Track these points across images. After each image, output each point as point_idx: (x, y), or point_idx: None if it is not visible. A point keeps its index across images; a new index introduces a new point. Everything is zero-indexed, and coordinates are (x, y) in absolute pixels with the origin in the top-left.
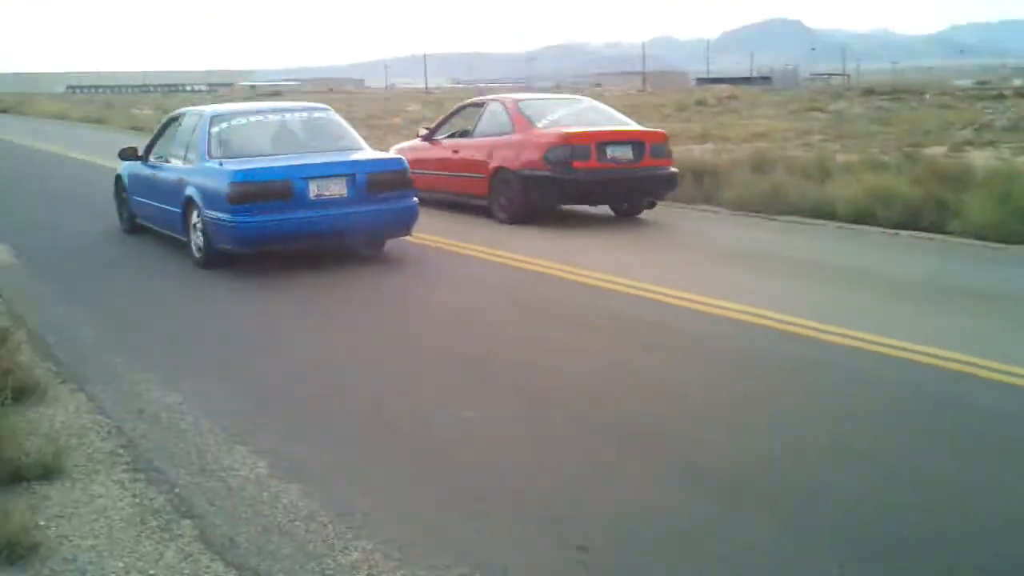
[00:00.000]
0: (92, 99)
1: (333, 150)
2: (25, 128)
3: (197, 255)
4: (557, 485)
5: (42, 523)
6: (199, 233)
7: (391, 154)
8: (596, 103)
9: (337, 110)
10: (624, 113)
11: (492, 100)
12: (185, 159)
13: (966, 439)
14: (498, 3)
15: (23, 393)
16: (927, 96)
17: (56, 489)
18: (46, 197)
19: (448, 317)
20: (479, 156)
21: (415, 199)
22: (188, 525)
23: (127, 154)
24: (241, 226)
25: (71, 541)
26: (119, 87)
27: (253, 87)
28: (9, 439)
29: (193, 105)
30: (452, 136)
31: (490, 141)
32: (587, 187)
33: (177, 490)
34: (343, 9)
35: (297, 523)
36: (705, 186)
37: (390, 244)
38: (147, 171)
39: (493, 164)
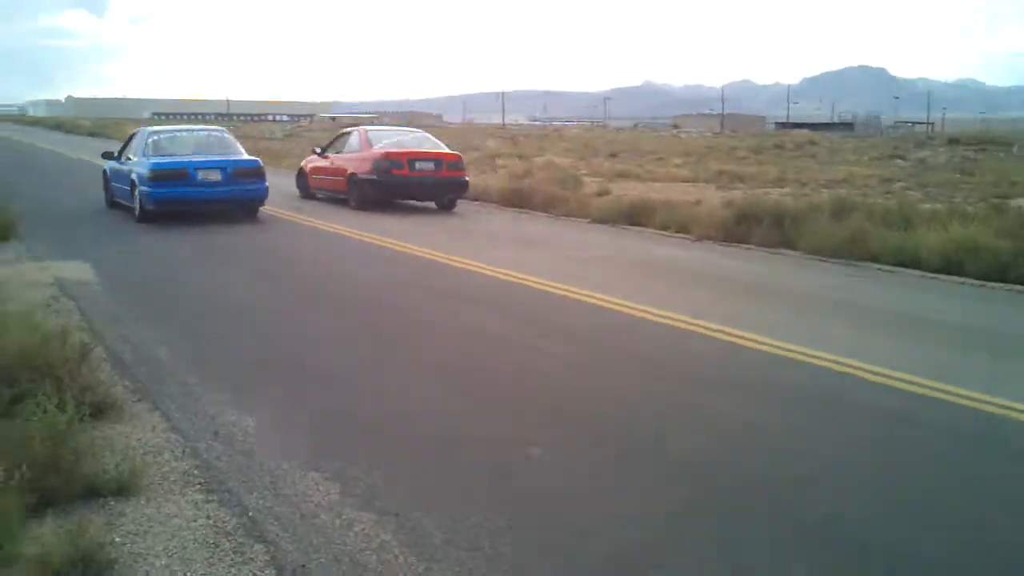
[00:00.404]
0: (176, 126)
1: (218, 153)
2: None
3: (136, 215)
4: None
5: (117, 540)
6: (137, 201)
7: (250, 156)
8: (427, 134)
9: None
10: (698, 154)
11: (354, 129)
12: (135, 157)
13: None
14: (577, 43)
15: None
16: (1015, 147)
17: (131, 506)
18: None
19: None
20: (343, 165)
21: (266, 184)
22: (260, 550)
23: (108, 155)
24: (155, 194)
25: (145, 559)
26: (203, 115)
27: (333, 118)
28: (87, 455)
29: (270, 132)
30: (336, 152)
31: (350, 156)
32: (401, 188)
33: (250, 513)
34: (425, 45)
35: (368, 552)
36: (785, 230)
37: (267, 218)
38: (117, 166)
39: (349, 171)
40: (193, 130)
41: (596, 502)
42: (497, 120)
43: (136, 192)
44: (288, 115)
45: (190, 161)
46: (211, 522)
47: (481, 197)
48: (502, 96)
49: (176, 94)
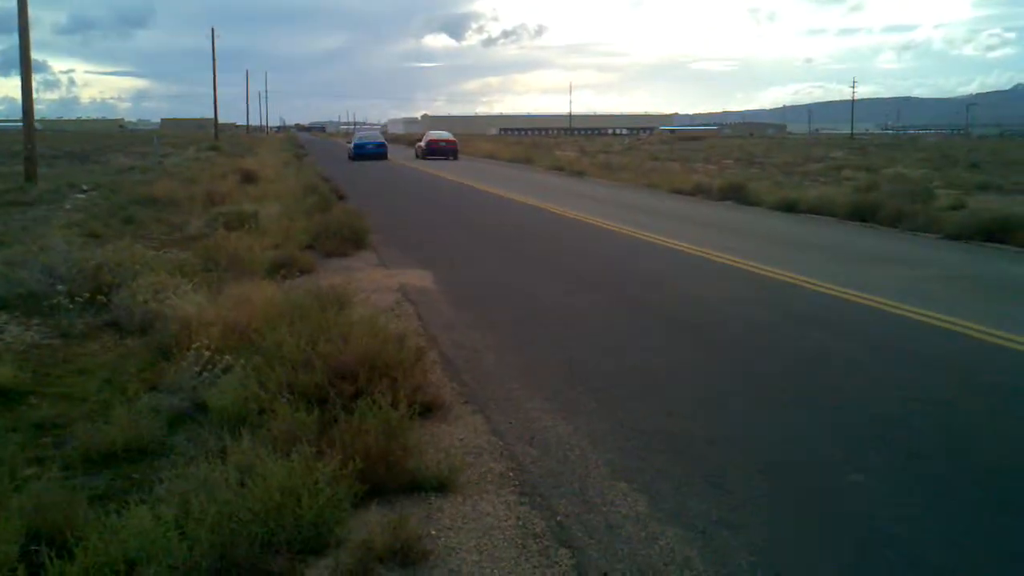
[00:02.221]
0: (521, 140)
1: (376, 140)
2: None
3: (351, 158)
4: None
5: (433, 533)
6: (351, 154)
7: (382, 140)
8: (448, 133)
9: (754, 155)
10: None
11: (428, 131)
12: (353, 141)
13: None
14: (936, 43)
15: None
16: None
17: (449, 502)
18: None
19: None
20: (420, 144)
21: (386, 149)
22: (566, 554)
23: (348, 141)
24: (354, 151)
25: (457, 554)
26: (545, 130)
27: (673, 131)
28: (413, 451)
29: (607, 146)
30: (421, 140)
31: (422, 141)
32: (434, 152)
33: (559, 518)
34: (771, 53)
35: (671, 567)
36: None
37: (393, 161)
38: (349, 144)
39: (420, 145)
40: (370, 132)
41: None
42: (843, 130)
43: (350, 151)
44: (628, 128)
45: (364, 142)
46: (521, 523)
47: (821, 210)
48: (852, 104)
49: (524, 110)
